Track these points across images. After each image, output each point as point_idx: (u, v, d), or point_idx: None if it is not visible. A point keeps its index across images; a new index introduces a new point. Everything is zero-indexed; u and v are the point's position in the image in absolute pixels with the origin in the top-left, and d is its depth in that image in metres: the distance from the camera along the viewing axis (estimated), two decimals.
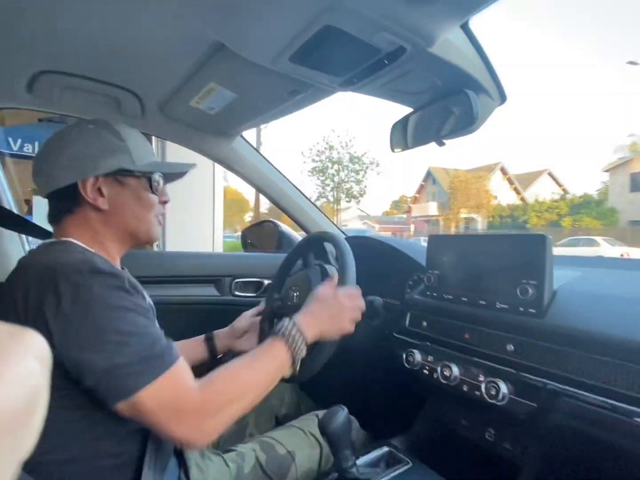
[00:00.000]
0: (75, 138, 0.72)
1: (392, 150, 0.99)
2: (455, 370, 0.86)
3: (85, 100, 1.08)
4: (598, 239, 13.90)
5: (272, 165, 1.52)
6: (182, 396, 0.59)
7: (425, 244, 1.37)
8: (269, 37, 0.72)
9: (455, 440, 1.00)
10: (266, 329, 1.25)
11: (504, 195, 26.35)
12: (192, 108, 1.11)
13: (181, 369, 0.61)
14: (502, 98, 0.83)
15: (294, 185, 1.59)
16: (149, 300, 0.80)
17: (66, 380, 0.57)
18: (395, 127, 0.97)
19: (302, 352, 0.73)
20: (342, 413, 0.72)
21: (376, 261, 1.40)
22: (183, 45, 0.85)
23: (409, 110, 0.95)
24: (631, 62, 20.60)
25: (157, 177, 0.78)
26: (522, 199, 26.98)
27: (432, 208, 29.75)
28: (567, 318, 0.73)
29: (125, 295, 0.61)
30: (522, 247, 0.82)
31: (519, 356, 0.77)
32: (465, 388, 0.84)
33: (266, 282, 1.63)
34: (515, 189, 27.76)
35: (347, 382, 1.33)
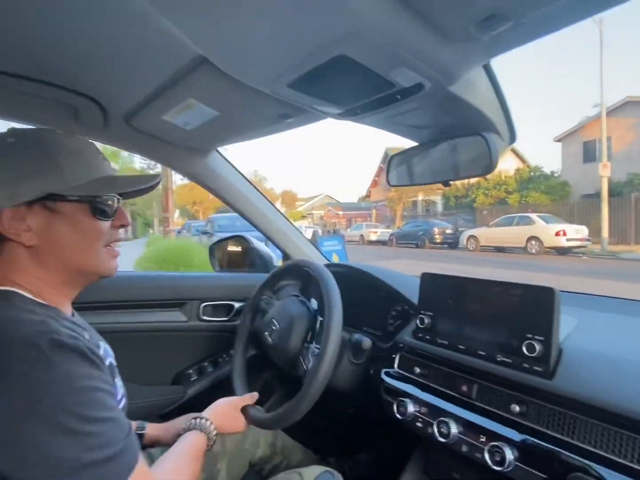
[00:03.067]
0: None
1: (390, 184, 0.92)
2: (454, 428, 0.80)
3: (36, 107, 0.93)
4: (532, 215, 12.85)
5: (250, 183, 1.41)
6: None
7: (402, 271, 1.34)
8: (268, 62, 0.62)
9: None
10: (240, 351, 1.15)
11: None
12: (165, 122, 0.98)
13: (143, 464, 0.55)
14: (513, 139, 0.78)
15: (272, 204, 1.49)
16: (110, 359, 0.68)
17: None
18: (395, 160, 0.90)
19: (214, 433, 0.83)
20: None
21: (356, 289, 1.34)
22: (161, 55, 0.73)
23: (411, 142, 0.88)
24: None
25: (102, 198, 0.63)
26: (485, 178, 26.41)
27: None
28: (578, 382, 0.68)
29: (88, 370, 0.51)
30: (529, 297, 0.77)
31: (526, 419, 0.72)
32: (464, 448, 0.78)
33: (237, 305, 1.52)
34: None
35: (328, 424, 1.25)
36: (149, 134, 1.08)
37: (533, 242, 12.01)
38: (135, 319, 1.32)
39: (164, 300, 1.38)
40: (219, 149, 1.26)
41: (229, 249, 1.78)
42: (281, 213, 1.55)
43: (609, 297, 1.17)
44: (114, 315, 1.28)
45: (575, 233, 11.74)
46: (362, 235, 20.80)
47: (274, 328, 1.07)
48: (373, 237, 19.96)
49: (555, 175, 19.13)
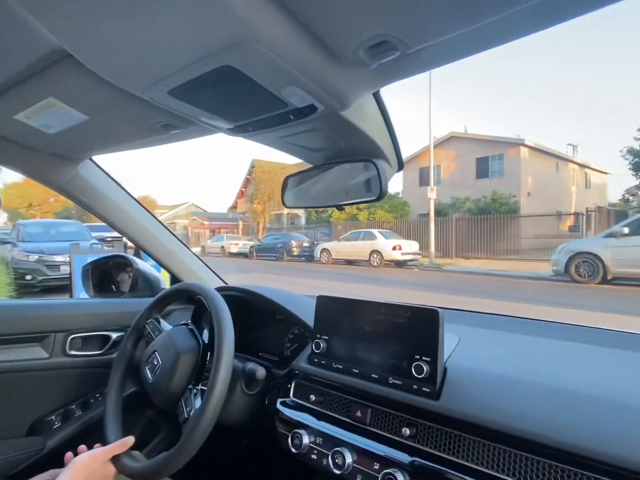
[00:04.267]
0: None
1: (285, 205, 0.89)
2: (349, 457, 0.77)
3: None
4: (375, 231, 13.87)
5: (131, 196, 1.26)
6: None
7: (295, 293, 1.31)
8: (145, 64, 0.54)
9: None
10: (115, 386, 1.00)
11: None
12: (19, 123, 0.81)
13: None
14: (400, 166, 0.81)
15: (158, 220, 1.35)
16: None
17: None
18: (290, 181, 0.87)
19: None
20: None
21: (252, 313, 1.27)
22: (11, 43, 0.60)
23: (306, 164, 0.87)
24: None
25: None
26: None
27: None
28: (461, 402, 0.71)
29: None
30: (415, 319, 0.80)
31: (416, 441, 0.73)
32: (358, 478, 0.76)
33: (114, 335, 1.33)
34: None
35: (219, 460, 1.15)
36: None
37: (375, 256, 13.16)
38: None
39: (17, 334, 1.14)
40: (95, 157, 1.11)
41: (106, 270, 1.57)
42: (169, 230, 1.42)
43: (485, 313, 1.29)
44: None
45: (409, 247, 13.22)
46: (223, 247, 20.50)
47: (155, 364, 0.94)
48: (234, 249, 19.79)
49: (399, 196, 21.95)
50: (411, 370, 0.77)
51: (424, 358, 0.77)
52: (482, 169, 19.08)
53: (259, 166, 24.83)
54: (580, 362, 0.85)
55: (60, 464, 0.91)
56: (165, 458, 0.75)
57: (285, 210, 25.32)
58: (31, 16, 0.50)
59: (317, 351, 0.93)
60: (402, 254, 12.75)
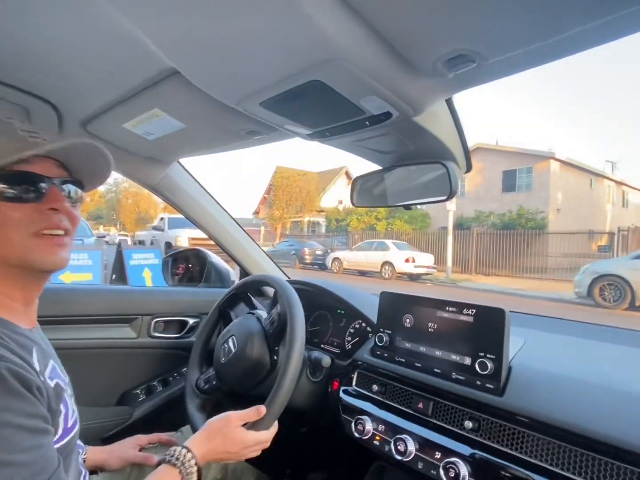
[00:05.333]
0: None
1: (353, 205, 0.95)
2: (411, 445, 0.81)
3: None
4: (388, 242, 13.49)
5: (211, 196, 1.39)
6: None
7: (361, 291, 1.36)
8: (243, 80, 0.63)
9: None
10: (195, 370, 1.11)
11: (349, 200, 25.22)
12: (125, 130, 0.94)
13: None
14: (468, 168, 0.84)
15: (233, 219, 1.47)
16: (57, 380, 0.60)
17: None
18: (358, 181, 0.93)
19: (194, 478, 0.70)
20: None
21: (314, 306, 1.34)
22: (128, 63, 0.71)
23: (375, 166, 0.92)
24: None
25: (8, 178, 0.53)
26: None
27: None
28: (526, 399, 0.73)
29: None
30: (481, 317, 0.81)
31: (478, 434, 0.75)
32: (420, 465, 0.80)
33: (191, 321, 1.46)
34: None
35: (280, 443, 1.23)
36: (106, 141, 1.04)
37: (387, 267, 12.51)
38: (80, 335, 1.24)
39: (111, 315, 1.30)
40: (181, 160, 1.24)
41: (183, 262, 1.73)
42: (242, 228, 1.53)
43: (552, 317, 1.26)
44: (55, 331, 1.19)
45: (423, 260, 12.46)
46: None
47: (229, 346, 1.04)
48: None
49: (420, 207, 20.69)
50: (475, 367, 0.79)
51: (488, 355, 0.79)
52: (509, 182, 18.02)
53: (279, 172, 24.82)
54: None
55: (145, 430, 1.04)
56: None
57: (306, 217, 25.37)
58: (146, 38, 0.59)
59: (380, 344, 0.97)
60: (415, 266, 12.17)
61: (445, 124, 0.73)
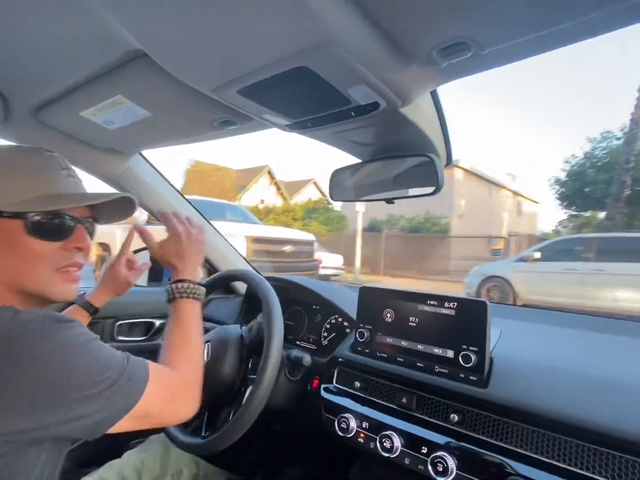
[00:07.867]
0: None
1: (332, 199, 0.92)
2: (397, 441, 0.81)
3: None
4: None
5: (174, 188, 1.31)
6: (170, 384, 0.63)
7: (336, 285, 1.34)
8: (222, 66, 0.58)
9: None
10: None
11: (271, 200, 24.07)
12: (84, 119, 0.86)
13: (153, 365, 0.62)
14: (449, 161, 0.83)
15: (199, 212, 1.40)
16: None
17: None
18: (336, 175, 0.89)
19: (201, 290, 0.78)
20: None
21: (290, 302, 1.31)
22: (88, 43, 0.63)
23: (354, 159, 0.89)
24: None
25: (43, 216, 0.57)
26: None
27: None
28: (510, 390, 0.74)
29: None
30: (463, 310, 0.82)
31: (464, 427, 0.76)
32: (407, 461, 0.79)
33: (158, 322, 1.39)
34: (282, 195, 25.87)
35: (253, 443, 1.19)
36: (60, 131, 0.94)
37: None
38: None
39: None
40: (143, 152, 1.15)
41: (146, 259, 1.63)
42: (209, 222, 1.46)
43: (524, 307, 1.30)
44: None
45: (331, 261, 12.36)
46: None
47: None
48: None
49: (337, 209, 20.89)
50: (458, 360, 0.80)
51: (471, 348, 0.79)
52: None
53: (195, 166, 22.80)
54: (619, 353, 0.87)
55: (114, 437, 0.97)
56: (226, 429, 0.81)
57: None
58: (111, 16, 0.53)
59: (360, 340, 0.96)
60: (322, 267, 11.78)
61: (428, 115, 0.72)
